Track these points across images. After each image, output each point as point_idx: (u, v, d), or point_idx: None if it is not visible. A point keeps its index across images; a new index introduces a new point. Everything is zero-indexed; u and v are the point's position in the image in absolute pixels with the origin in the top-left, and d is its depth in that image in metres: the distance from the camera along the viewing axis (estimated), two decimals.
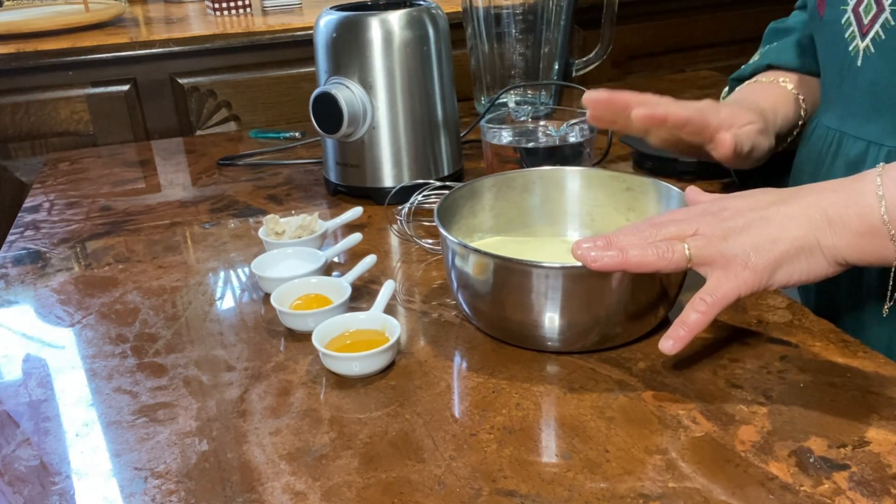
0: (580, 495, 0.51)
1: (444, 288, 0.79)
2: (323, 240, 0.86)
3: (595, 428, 0.58)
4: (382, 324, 0.68)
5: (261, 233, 0.86)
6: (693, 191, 0.68)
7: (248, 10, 1.77)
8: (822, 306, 0.81)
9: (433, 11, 0.98)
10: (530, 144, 0.97)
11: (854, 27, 0.72)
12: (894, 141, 0.71)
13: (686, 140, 0.79)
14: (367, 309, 0.71)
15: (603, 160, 1.07)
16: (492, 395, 0.62)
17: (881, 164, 0.59)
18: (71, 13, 1.68)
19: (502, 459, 0.55)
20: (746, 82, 0.89)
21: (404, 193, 0.97)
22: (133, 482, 0.55)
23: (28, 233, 0.99)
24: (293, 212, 0.99)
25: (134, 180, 1.17)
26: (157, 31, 1.61)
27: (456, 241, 0.66)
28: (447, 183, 0.94)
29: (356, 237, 0.84)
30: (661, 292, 0.66)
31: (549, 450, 0.56)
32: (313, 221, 0.86)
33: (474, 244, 0.72)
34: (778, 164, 0.87)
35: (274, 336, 0.72)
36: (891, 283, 0.65)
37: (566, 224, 0.81)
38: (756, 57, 0.91)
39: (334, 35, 0.95)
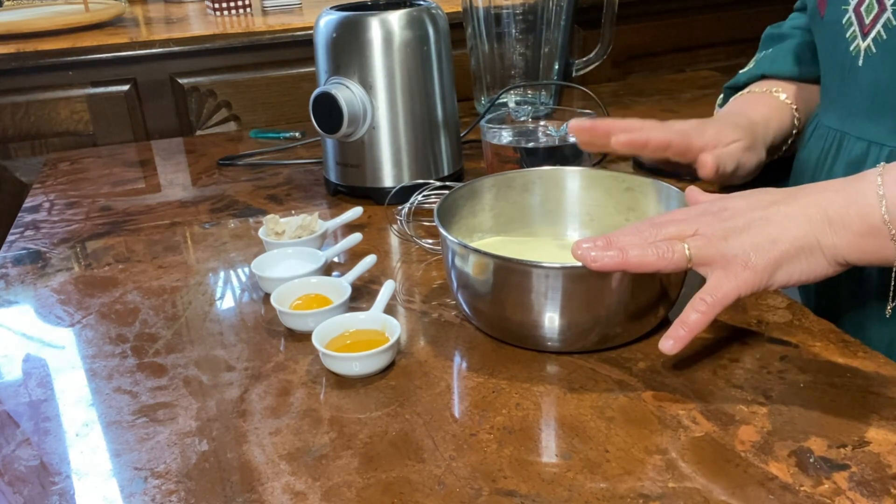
0: (580, 495, 0.51)
1: (444, 288, 0.79)
2: (323, 240, 0.86)
3: (595, 428, 0.58)
4: (382, 324, 0.68)
5: (261, 233, 0.86)
6: (693, 191, 0.68)
7: (248, 10, 1.77)
8: (823, 306, 0.81)
9: (433, 11, 0.98)
10: (530, 144, 0.97)
11: (855, 27, 0.72)
12: (895, 141, 0.71)
13: (674, 160, 0.80)
14: (367, 309, 0.71)
15: (603, 160, 1.07)
16: (492, 395, 0.62)
17: (882, 163, 0.59)
18: (71, 13, 1.68)
19: (502, 459, 0.55)
20: (740, 93, 0.89)
21: (404, 193, 0.97)
22: (133, 482, 0.55)
23: (28, 233, 0.99)
24: (293, 212, 0.99)
25: (134, 180, 1.17)
26: (157, 31, 1.61)
27: (456, 241, 0.66)
28: (447, 183, 0.94)
29: (356, 237, 0.84)
30: (661, 292, 0.66)
31: (549, 450, 0.56)
32: (313, 221, 0.86)
33: (474, 244, 0.72)
34: (777, 167, 0.87)
35: (274, 336, 0.72)
36: (892, 283, 0.65)
37: (566, 224, 0.81)
38: (751, 64, 0.91)
39: (334, 35, 0.95)
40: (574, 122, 0.76)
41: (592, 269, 0.59)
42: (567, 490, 0.52)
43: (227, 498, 0.53)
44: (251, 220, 0.99)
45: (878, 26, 0.70)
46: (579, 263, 0.60)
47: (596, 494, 0.51)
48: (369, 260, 0.79)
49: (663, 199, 0.75)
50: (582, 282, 0.63)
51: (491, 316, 0.68)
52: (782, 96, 0.85)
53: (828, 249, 0.58)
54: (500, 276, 0.65)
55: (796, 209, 0.59)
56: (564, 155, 0.94)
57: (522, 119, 1.03)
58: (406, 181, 0.99)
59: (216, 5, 1.74)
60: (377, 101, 0.96)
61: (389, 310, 0.72)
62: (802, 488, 0.51)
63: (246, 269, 0.86)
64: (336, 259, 0.86)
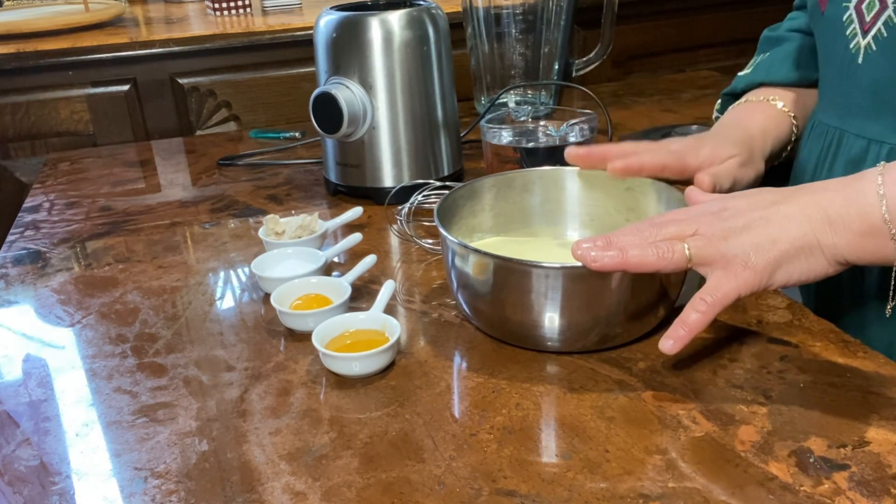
0: (580, 495, 0.51)
1: (444, 288, 0.79)
2: (323, 240, 0.86)
3: (595, 428, 0.58)
4: (382, 324, 0.68)
5: (261, 233, 0.86)
6: (693, 191, 0.68)
7: (248, 10, 1.77)
8: (823, 306, 0.81)
9: (433, 11, 0.98)
10: (530, 144, 0.97)
11: (856, 24, 0.72)
12: (895, 139, 0.71)
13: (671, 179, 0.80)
14: (367, 309, 0.71)
15: None
16: (492, 395, 0.62)
17: (882, 163, 0.59)
18: (71, 13, 1.68)
19: (502, 459, 0.55)
20: (737, 102, 0.89)
21: (404, 193, 0.96)
22: (133, 482, 0.55)
23: (28, 233, 0.99)
24: (293, 212, 0.99)
25: (134, 180, 1.17)
26: (157, 31, 1.61)
27: (456, 241, 0.66)
28: (447, 183, 0.93)
29: (356, 237, 0.84)
30: (661, 292, 0.66)
31: (549, 450, 0.56)
32: (313, 221, 0.86)
33: (474, 244, 0.72)
34: (776, 167, 0.87)
35: (274, 336, 0.72)
36: (892, 283, 0.65)
37: (566, 224, 0.81)
38: (749, 69, 0.91)
39: (334, 35, 0.95)
40: (570, 150, 0.77)
41: (592, 269, 0.59)
42: (567, 490, 0.52)
43: (227, 498, 0.53)
44: (251, 220, 0.99)
45: (879, 24, 0.70)
46: (579, 263, 0.60)
47: (596, 494, 0.51)
48: (369, 260, 0.79)
49: (663, 199, 0.75)
50: (582, 282, 0.63)
51: (491, 316, 0.68)
52: (779, 104, 0.85)
53: (828, 249, 0.58)
54: (500, 276, 0.65)
55: (796, 209, 0.59)
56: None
57: (522, 119, 1.03)
58: (406, 181, 0.99)
59: (216, 5, 1.74)
60: (377, 101, 0.96)
61: (389, 310, 0.72)
62: (802, 488, 0.51)
63: (246, 269, 0.86)
64: (336, 259, 0.86)
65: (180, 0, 1.97)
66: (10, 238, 0.98)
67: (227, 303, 0.80)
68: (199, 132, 1.58)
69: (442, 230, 0.68)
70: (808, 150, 0.82)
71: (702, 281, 0.60)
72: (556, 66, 1.26)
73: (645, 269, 0.59)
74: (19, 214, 1.05)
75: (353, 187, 1.01)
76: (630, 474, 0.53)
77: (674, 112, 1.36)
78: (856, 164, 0.74)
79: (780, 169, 0.88)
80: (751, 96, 0.88)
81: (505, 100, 1.25)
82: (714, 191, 0.78)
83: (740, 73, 0.92)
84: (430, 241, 0.89)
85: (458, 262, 0.68)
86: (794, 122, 0.85)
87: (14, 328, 0.77)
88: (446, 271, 0.71)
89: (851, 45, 0.73)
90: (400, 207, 0.95)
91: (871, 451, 0.54)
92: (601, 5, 1.23)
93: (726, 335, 0.68)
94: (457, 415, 0.60)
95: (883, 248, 0.58)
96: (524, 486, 0.53)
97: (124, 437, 0.60)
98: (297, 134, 1.31)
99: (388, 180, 0.99)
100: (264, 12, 1.76)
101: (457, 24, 1.20)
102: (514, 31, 1.22)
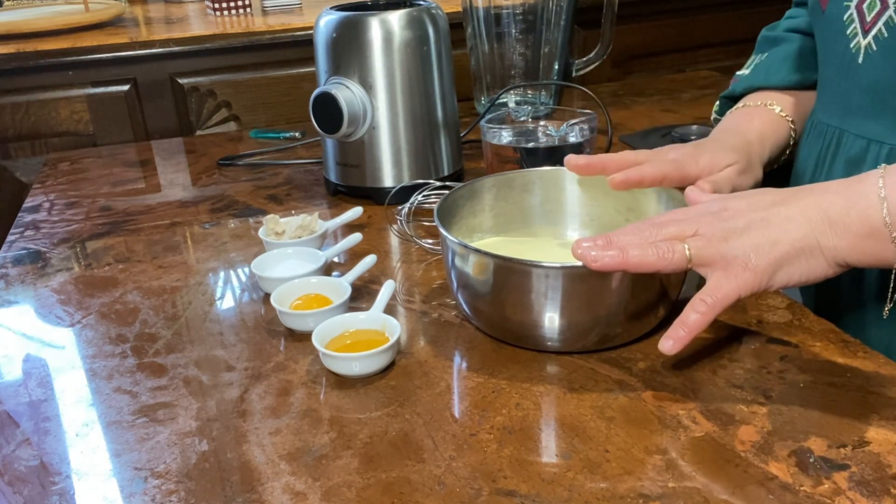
0: (580, 495, 0.51)
1: (444, 288, 0.79)
2: (323, 240, 0.86)
3: (595, 428, 0.58)
4: (382, 324, 0.68)
5: (261, 233, 0.86)
6: (693, 191, 0.68)
7: (248, 10, 1.77)
8: (823, 307, 0.81)
9: (433, 11, 0.98)
10: (530, 144, 0.97)
11: (856, 24, 0.72)
12: (895, 139, 0.71)
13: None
14: (367, 309, 0.71)
15: None
16: (492, 395, 0.62)
17: (882, 165, 0.59)
18: (71, 13, 1.68)
19: (502, 459, 0.55)
20: (735, 107, 0.89)
21: (404, 193, 0.96)
22: (133, 482, 0.55)
23: (28, 233, 0.99)
24: (293, 212, 0.99)
25: (134, 180, 1.17)
26: (157, 31, 1.61)
27: (456, 241, 0.66)
28: (447, 183, 0.93)
29: (356, 237, 0.84)
30: (661, 292, 0.66)
31: (549, 450, 0.56)
32: (313, 221, 0.86)
33: (474, 244, 0.72)
34: (777, 167, 0.87)
35: (274, 336, 0.72)
36: (891, 284, 0.65)
37: (566, 224, 0.81)
38: (747, 70, 0.91)
39: (334, 35, 0.95)
40: (569, 159, 0.77)
41: (592, 269, 0.59)
42: (567, 490, 0.52)
43: (227, 498, 0.53)
44: (251, 220, 0.99)
45: (880, 24, 0.69)
46: (579, 263, 0.60)
47: (596, 494, 0.51)
48: (369, 260, 0.79)
49: (663, 199, 0.75)
50: (582, 282, 0.63)
51: (491, 316, 0.68)
52: (777, 109, 0.85)
53: (828, 251, 0.58)
54: (500, 275, 0.65)
55: (796, 210, 0.59)
56: (564, 155, 0.94)
57: (522, 119, 1.03)
58: (406, 181, 0.99)
59: (216, 5, 1.74)
60: (377, 101, 0.96)
61: (389, 310, 0.72)
62: (802, 488, 0.51)
63: (246, 269, 0.86)
64: (336, 259, 0.86)
65: (180, 0, 1.97)
66: (10, 238, 0.98)
67: (227, 303, 0.80)
68: (199, 132, 1.58)
69: (442, 230, 0.68)
70: (808, 149, 0.82)
71: (702, 281, 0.60)
72: (556, 66, 1.26)
73: (645, 269, 0.59)
74: (19, 214, 1.05)
75: (353, 187, 1.01)
76: (630, 474, 0.53)
77: (674, 112, 1.36)
78: (855, 164, 0.74)
79: (779, 169, 0.88)
80: (749, 100, 0.88)
81: (505, 100, 1.25)
82: None
83: (738, 73, 0.92)
84: (430, 241, 0.89)
85: (458, 262, 0.68)
86: (792, 126, 0.85)
87: (14, 328, 0.77)
88: (446, 271, 0.71)
89: (852, 45, 0.73)
90: (400, 207, 0.95)
91: (871, 451, 0.54)
92: (601, 5, 1.23)
93: (726, 335, 0.68)
94: (457, 415, 0.60)
95: (883, 251, 0.58)
96: (524, 486, 0.53)
97: (124, 437, 0.60)
98: (297, 134, 1.31)
99: (388, 180, 0.99)
100: (264, 12, 1.76)
101: (457, 24, 1.20)
102: (514, 31, 1.22)
